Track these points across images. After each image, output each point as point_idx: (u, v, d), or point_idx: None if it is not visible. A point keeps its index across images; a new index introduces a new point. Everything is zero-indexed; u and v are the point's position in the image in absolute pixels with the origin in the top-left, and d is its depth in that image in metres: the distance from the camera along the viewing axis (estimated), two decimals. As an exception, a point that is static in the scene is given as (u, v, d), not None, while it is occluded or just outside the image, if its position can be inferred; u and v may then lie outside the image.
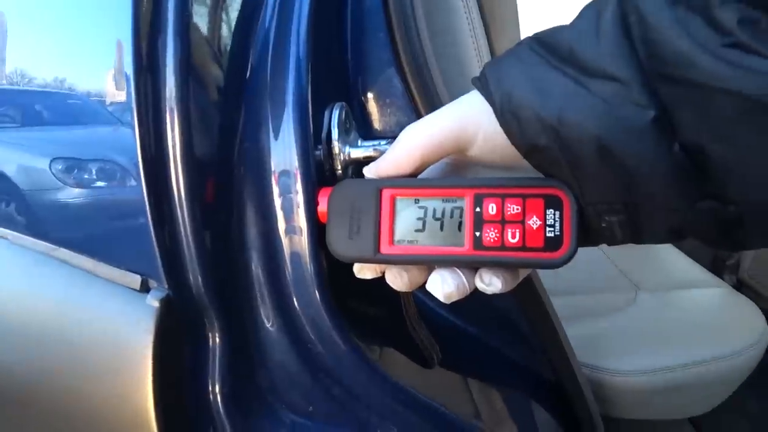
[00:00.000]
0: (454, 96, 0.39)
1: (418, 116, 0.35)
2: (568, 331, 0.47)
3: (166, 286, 0.26)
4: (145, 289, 0.27)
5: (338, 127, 0.31)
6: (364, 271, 0.27)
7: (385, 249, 0.24)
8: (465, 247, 0.24)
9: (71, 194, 0.30)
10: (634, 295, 0.80)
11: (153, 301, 0.26)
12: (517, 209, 0.23)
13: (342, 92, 0.37)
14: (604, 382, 0.67)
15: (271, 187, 0.30)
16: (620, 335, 0.71)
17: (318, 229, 0.29)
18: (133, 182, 0.27)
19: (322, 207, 0.27)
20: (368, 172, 0.26)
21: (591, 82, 0.20)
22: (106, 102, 0.29)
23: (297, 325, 0.30)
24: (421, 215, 0.24)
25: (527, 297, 0.42)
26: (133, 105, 0.26)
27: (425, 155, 0.24)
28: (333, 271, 0.30)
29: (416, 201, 0.25)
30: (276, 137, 0.30)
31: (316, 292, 0.30)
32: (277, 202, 0.29)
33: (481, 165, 0.25)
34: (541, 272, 0.44)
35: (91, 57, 0.30)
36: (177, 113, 0.26)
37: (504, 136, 0.22)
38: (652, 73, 0.19)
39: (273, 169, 0.30)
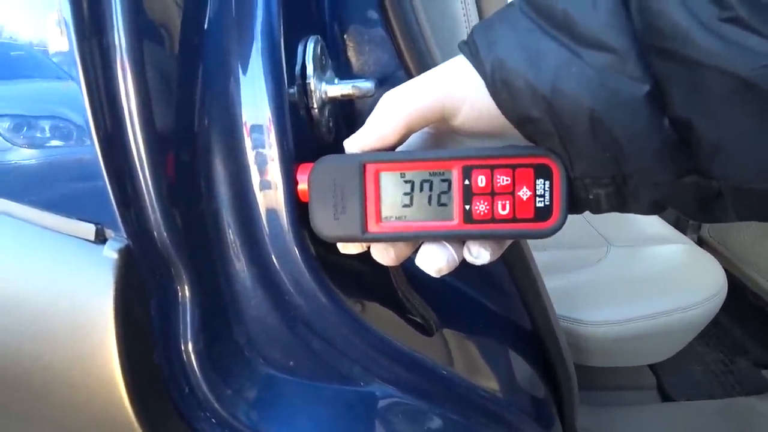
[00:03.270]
0: (435, 31, 0.37)
1: (398, 54, 0.33)
2: (545, 284, 0.48)
3: (125, 235, 0.24)
4: (100, 239, 0.24)
5: (313, 62, 0.28)
6: (349, 248, 0.26)
7: (373, 227, 0.23)
8: (455, 221, 0.23)
9: (23, 155, 0.26)
10: (605, 250, 0.83)
11: (110, 252, 0.23)
12: (507, 180, 0.22)
13: (316, 28, 0.34)
14: (577, 332, 0.69)
15: (241, 134, 0.27)
16: (593, 288, 0.74)
17: (293, 179, 0.27)
18: (83, 134, 0.24)
19: (303, 185, 0.26)
20: (350, 145, 0.24)
21: (585, 51, 0.19)
22: (49, 53, 0.25)
23: (273, 276, 0.29)
24: (408, 190, 0.23)
25: (511, 251, 0.42)
26: (77, 56, 0.23)
27: (410, 124, 0.22)
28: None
29: (402, 175, 0.23)
30: (245, 72, 0.27)
31: (293, 241, 0.28)
32: (247, 141, 0.27)
33: (464, 134, 0.23)
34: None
35: (31, 1, 0.26)
36: (129, 61, 0.23)
37: (492, 105, 0.21)
38: (647, 46, 0.18)
39: (242, 110, 0.27)
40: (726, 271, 0.80)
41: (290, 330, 0.30)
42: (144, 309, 0.25)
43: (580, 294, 0.72)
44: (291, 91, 0.28)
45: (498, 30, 0.21)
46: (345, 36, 0.34)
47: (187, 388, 0.27)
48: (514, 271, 0.45)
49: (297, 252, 0.28)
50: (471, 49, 0.21)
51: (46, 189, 0.26)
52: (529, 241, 0.46)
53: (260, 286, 0.29)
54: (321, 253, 0.30)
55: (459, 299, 0.48)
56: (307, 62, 0.28)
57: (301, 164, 0.26)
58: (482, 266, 0.47)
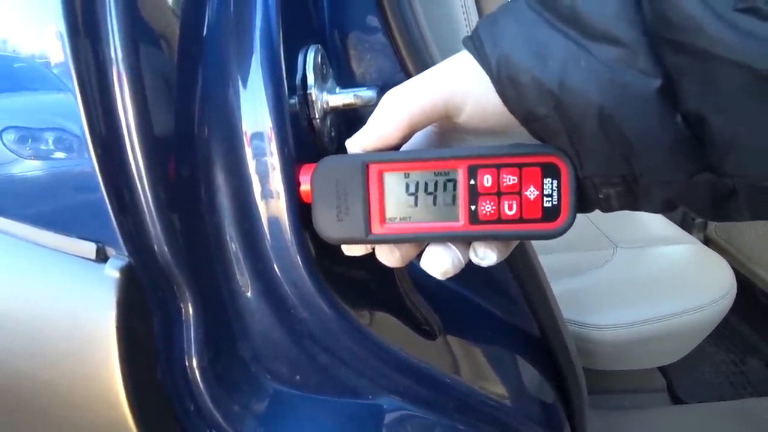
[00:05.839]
0: (437, 37, 0.36)
1: (401, 62, 0.32)
2: (552, 288, 0.47)
3: (126, 254, 0.23)
4: (101, 258, 0.23)
5: (314, 72, 0.28)
6: (353, 249, 0.25)
7: (377, 229, 0.23)
8: (460, 222, 0.22)
9: (27, 167, 0.26)
10: (612, 251, 0.82)
11: (112, 270, 0.23)
12: (514, 180, 0.22)
13: (316, 36, 0.33)
14: (586, 336, 0.69)
15: (242, 144, 0.27)
16: (600, 291, 0.73)
17: (295, 189, 0.26)
18: (83, 147, 0.24)
19: (305, 186, 0.25)
20: (351, 145, 0.24)
21: (594, 45, 0.18)
22: (51, 65, 0.25)
23: (278, 290, 0.28)
24: (413, 190, 0.23)
25: (517, 256, 0.41)
26: (72, 68, 0.22)
27: (413, 122, 0.22)
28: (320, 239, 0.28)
29: (406, 175, 0.23)
30: (244, 81, 0.26)
31: (297, 254, 0.27)
32: (248, 151, 0.26)
33: (469, 132, 0.23)
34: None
35: (32, 13, 0.25)
36: (126, 73, 0.23)
37: (497, 101, 0.20)
38: (657, 38, 0.18)
39: (242, 121, 0.27)
40: (734, 270, 0.79)
41: (296, 344, 0.29)
42: (147, 327, 0.25)
43: (587, 297, 0.71)
44: (292, 101, 0.28)
45: (503, 24, 0.20)
46: (346, 43, 0.34)
47: (193, 405, 0.27)
48: (520, 275, 0.44)
49: (301, 263, 0.28)
50: (475, 44, 0.21)
51: (47, 204, 0.25)
52: (534, 245, 0.45)
53: (264, 299, 0.28)
54: (325, 264, 0.29)
55: (465, 306, 0.47)
56: (307, 72, 0.28)
57: (304, 165, 0.26)
58: (487, 272, 0.47)
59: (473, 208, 0.22)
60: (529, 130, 0.21)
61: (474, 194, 0.22)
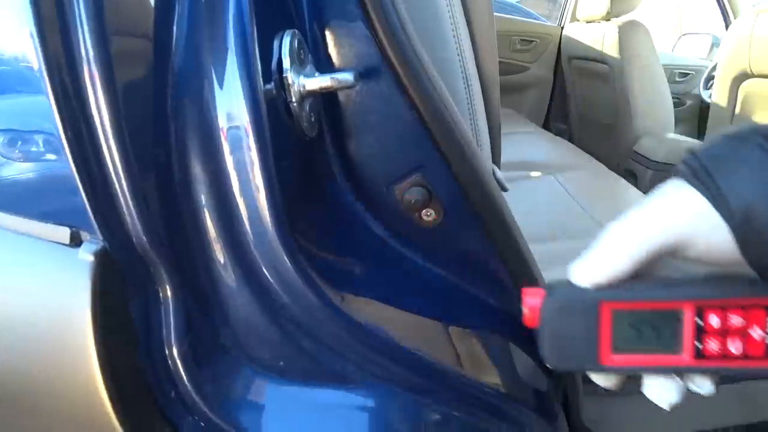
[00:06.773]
0: (418, 24, 0.36)
1: (380, 48, 0.32)
2: (546, 276, 0.47)
3: (101, 238, 0.23)
4: (76, 242, 0.23)
5: (290, 56, 0.28)
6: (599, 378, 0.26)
7: (605, 360, 0.24)
8: (685, 357, 0.23)
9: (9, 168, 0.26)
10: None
11: (86, 254, 0.23)
12: (739, 320, 0.23)
13: (293, 23, 0.33)
14: (579, 324, 0.68)
15: (218, 135, 0.27)
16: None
17: (274, 181, 0.26)
18: (55, 140, 0.23)
19: (531, 310, 0.26)
20: (579, 277, 0.24)
21: None
22: (21, 63, 0.25)
23: (258, 276, 0.28)
24: (641, 325, 0.24)
25: (508, 246, 0.41)
26: (42, 63, 0.22)
27: (641, 263, 0.23)
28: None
29: (636, 311, 0.24)
30: (217, 70, 0.26)
31: (277, 239, 0.27)
32: (225, 146, 0.26)
33: (691, 263, 0.23)
34: (516, 217, 0.43)
35: (12, 16, 0.25)
36: (97, 68, 0.23)
37: (732, 248, 0.20)
38: None
39: (217, 112, 0.27)
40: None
41: (278, 330, 0.29)
42: (124, 312, 0.24)
43: (580, 285, 0.71)
44: (268, 87, 0.27)
45: (741, 172, 0.20)
46: (324, 30, 0.33)
47: (173, 391, 0.27)
48: (510, 265, 0.44)
49: (282, 251, 0.28)
50: (712, 191, 0.20)
51: (21, 194, 0.25)
52: (526, 234, 0.45)
53: (246, 286, 0.28)
54: (307, 249, 0.29)
55: (458, 295, 0.47)
56: (283, 56, 0.28)
57: (529, 288, 0.26)
58: (480, 261, 0.47)
59: (699, 345, 0.23)
60: (763, 278, 0.21)
61: (700, 332, 0.23)
